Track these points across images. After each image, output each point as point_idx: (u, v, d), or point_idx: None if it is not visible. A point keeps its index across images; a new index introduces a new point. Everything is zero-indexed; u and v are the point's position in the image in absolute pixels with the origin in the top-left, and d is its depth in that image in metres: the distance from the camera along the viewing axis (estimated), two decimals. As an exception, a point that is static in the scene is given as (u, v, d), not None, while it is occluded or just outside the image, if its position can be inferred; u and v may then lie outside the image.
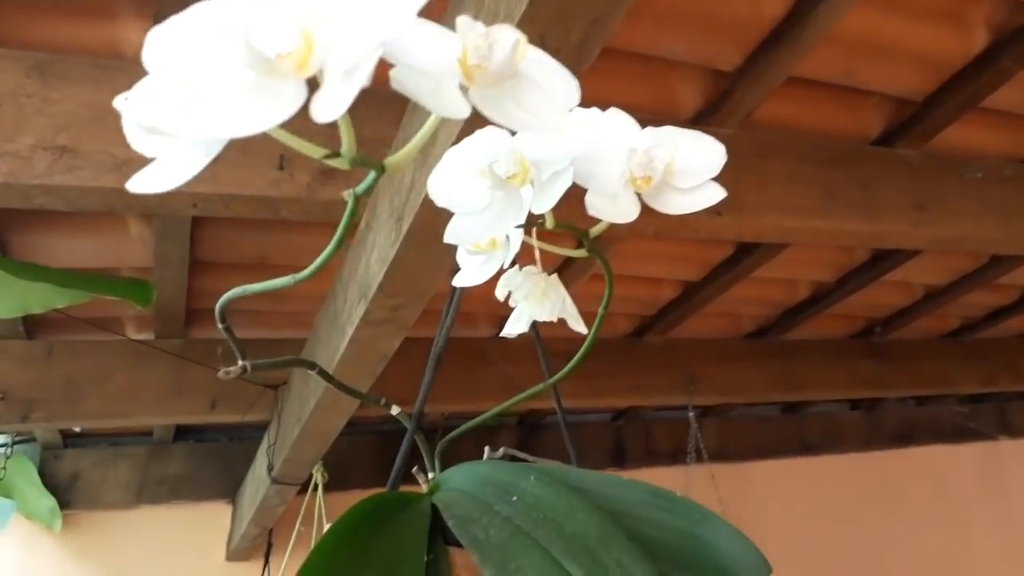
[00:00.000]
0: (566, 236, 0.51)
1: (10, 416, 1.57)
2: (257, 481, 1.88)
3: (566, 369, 0.56)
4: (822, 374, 2.32)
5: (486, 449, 1.18)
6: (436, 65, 0.28)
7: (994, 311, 2.39)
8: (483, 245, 0.46)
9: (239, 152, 0.97)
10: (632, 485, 0.50)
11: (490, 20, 0.56)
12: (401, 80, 0.28)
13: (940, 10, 1.15)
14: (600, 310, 0.55)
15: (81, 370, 1.61)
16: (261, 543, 2.23)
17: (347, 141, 0.30)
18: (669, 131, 0.43)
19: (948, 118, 1.28)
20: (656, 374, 2.08)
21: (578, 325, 0.51)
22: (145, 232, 1.32)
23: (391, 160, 0.33)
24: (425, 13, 0.27)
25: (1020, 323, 2.47)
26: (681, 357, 2.09)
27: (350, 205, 0.34)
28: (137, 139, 0.30)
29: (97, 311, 1.52)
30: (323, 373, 0.63)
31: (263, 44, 0.24)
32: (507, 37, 0.29)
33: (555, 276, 0.50)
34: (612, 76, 1.14)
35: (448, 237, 0.42)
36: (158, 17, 0.86)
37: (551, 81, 0.32)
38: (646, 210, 1.33)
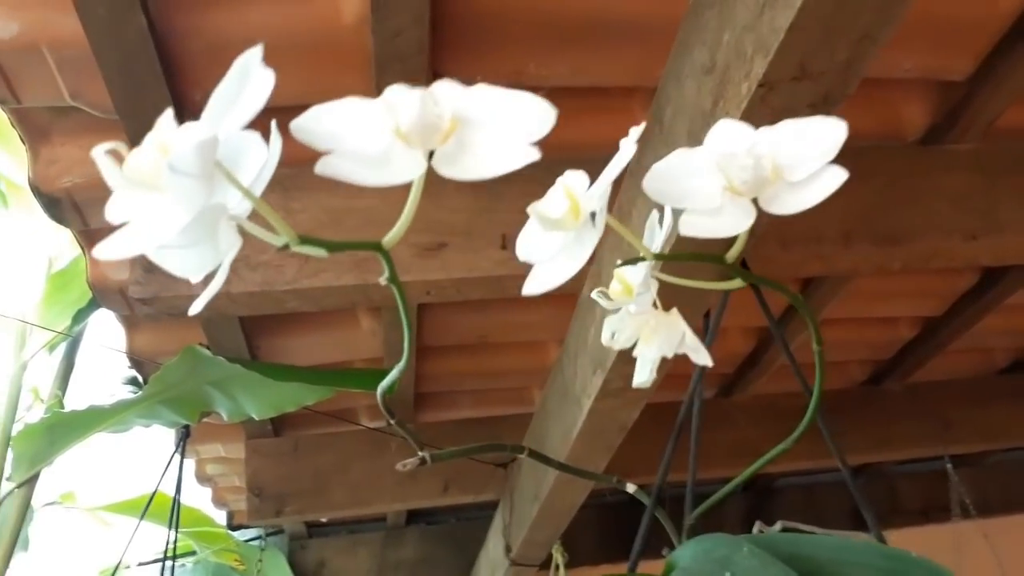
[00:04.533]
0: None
1: (266, 511, 1.67)
2: (492, 563, 1.88)
3: (800, 429, 0.51)
4: (1100, 406, 2.02)
5: (756, 524, 1.10)
6: (379, 146, 0.33)
7: None
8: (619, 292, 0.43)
9: (463, 237, 1.00)
10: (856, 548, 0.47)
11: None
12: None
13: None
14: (814, 346, 0.49)
15: (325, 462, 1.69)
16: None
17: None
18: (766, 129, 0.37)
19: None
20: (901, 423, 1.88)
21: (702, 358, 0.45)
22: (375, 324, 1.38)
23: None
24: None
25: None
26: (928, 402, 1.89)
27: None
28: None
29: (334, 404, 1.59)
30: (534, 454, 0.61)
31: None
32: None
33: (674, 311, 0.46)
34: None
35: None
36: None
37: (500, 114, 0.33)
38: (887, 242, 1.20)
